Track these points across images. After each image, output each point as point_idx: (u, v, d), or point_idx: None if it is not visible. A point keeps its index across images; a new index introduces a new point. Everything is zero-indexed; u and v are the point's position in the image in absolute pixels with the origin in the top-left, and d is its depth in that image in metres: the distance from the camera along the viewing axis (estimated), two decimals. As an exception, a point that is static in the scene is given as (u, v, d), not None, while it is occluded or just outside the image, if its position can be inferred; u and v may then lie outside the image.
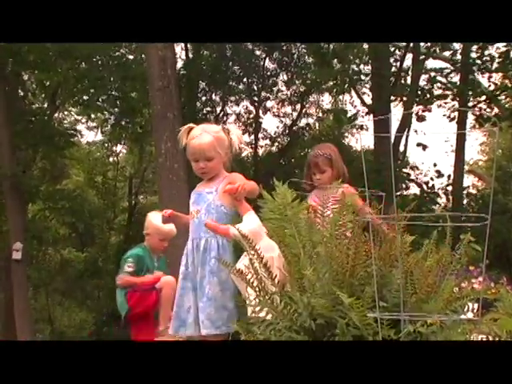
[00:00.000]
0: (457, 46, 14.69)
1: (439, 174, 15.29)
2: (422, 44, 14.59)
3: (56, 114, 18.89)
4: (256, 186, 3.39)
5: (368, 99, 15.81)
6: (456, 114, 14.69)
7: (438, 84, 14.77)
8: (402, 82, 15.07)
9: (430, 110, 14.75)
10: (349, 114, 16.99)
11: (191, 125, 3.55)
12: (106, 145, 21.52)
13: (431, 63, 15.70)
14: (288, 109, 19.35)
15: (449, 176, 15.22)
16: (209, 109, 18.27)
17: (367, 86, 15.81)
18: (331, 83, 15.25)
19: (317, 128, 19.87)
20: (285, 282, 2.85)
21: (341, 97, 18.81)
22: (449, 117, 14.98)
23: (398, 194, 13.94)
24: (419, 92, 14.52)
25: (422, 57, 14.71)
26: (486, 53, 14.12)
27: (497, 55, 14.05)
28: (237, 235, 3.03)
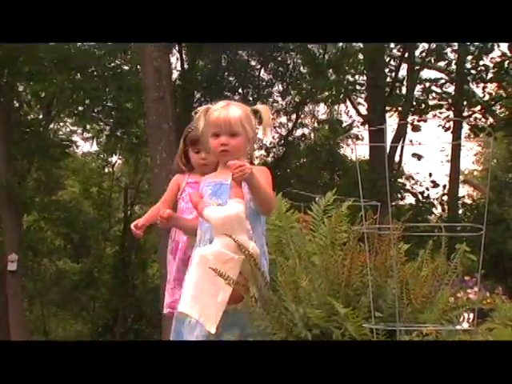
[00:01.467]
0: (451, 55, 14.78)
1: (434, 184, 15.33)
2: (416, 54, 14.66)
3: (51, 125, 18.89)
4: (272, 199, 2.86)
5: (363, 109, 15.87)
6: (451, 123, 14.75)
7: (433, 94, 14.85)
8: (397, 92, 15.14)
9: (425, 120, 14.84)
10: (344, 124, 17.08)
11: (206, 106, 2.96)
12: (102, 155, 21.48)
13: (426, 73, 15.78)
14: (283, 119, 19.38)
15: (444, 186, 15.26)
16: (204, 119, 18.22)
17: (362, 96, 15.87)
18: (326, 93, 15.28)
19: (312, 138, 19.89)
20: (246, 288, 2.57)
21: (336, 107, 18.85)
22: (444, 127, 15.03)
23: (394, 203, 13.96)
24: (414, 102, 14.59)
25: (417, 67, 14.78)
26: (481, 63, 14.20)
27: (491, 65, 14.14)
28: (206, 219, 2.70)
